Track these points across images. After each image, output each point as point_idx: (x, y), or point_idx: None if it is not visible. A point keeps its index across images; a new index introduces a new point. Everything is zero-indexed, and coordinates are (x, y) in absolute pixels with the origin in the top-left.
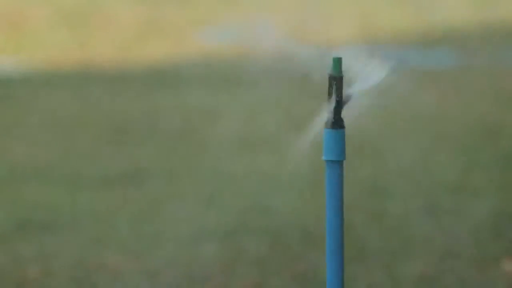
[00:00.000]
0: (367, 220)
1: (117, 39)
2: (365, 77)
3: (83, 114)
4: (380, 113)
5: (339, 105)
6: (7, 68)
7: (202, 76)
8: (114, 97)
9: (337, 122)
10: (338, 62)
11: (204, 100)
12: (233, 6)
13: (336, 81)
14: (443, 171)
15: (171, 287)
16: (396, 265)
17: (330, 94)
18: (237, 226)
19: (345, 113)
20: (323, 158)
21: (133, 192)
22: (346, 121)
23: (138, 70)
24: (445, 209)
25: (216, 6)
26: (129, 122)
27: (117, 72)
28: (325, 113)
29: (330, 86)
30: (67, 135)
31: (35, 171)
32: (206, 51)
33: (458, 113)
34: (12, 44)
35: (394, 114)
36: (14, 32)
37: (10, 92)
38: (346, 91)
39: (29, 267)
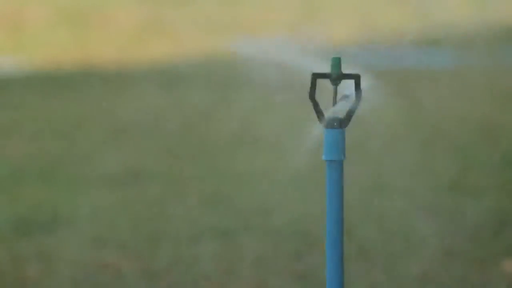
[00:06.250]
0: (367, 219)
1: (117, 39)
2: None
3: (83, 114)
4: (379, 113)
5: (339, 104)
6: (7, 68)
7: (202, 76)
8: (114, 97)
9: (337, 122)
10: (337, 61)
11: (204, 100)
12: (232, 4)
13: (336, 80)
14: (443, 171)
15: (171, 287)
16: (396, 265)
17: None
18: (237, 226)
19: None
20: (323, 158)
21: (133, 192)
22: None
23: (138, 70)
24: (445, 209)
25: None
26: (129, 122)
27: (117, 72)
28: (324, 114)
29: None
30: (67, 135)
31: (35, 171)
32: (206, 51)
33: (458, 113)
34: (12, 44)
35: (393, 114)
36: (14, 32)
37: (10, 92)
38: (344, 91)
39: (29, 267)
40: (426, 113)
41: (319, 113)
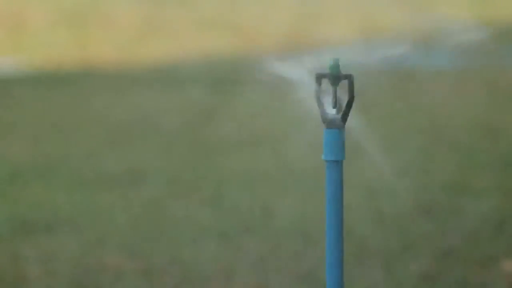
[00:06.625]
0: (367, 220)
1: (117, 39)
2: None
3: (83, 114)
4: (379, 112)
5: (339, 104)
6: (7, 68)
7: (202, 76)
8: (114, 97)
9: (337, 122)
10: (336, 62)
11: (204, 100)
12: (232, 4)
13: (335, 81)
14: (443, 171)
15: None
16: (396, 265)
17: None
18: (237, 226)
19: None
20: (323, 158)
21: (133, 192)
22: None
23: (138, 70)
24: (445, 209)
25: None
26: (129, 122)
27: (117, 72)
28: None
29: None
30: (67, 135)
31: (35, 171)
32: (206, 51)
33: (458, 113)
34: (12, 44)
35: (393, 114)
36: (14, 32)
37: (10, 92)
38: (339, 91)
39: (29, 267)
40: (426, 113)
41: (323, 112)
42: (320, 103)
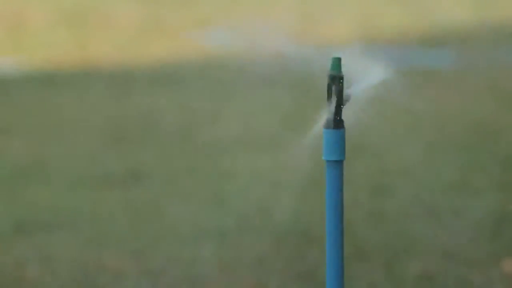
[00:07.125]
0: (367, 219)
1: (117, 39)
2: (364, 77)
3: (83, 114)
4: (379, 113)
5: (339, 105)
6: (7, 68)
7: (202, 76)
8: (114, 97)
9: (337, 122)
10: (337, 61)
11: (204, 100)
12: (232, 3)
13: (336, 81)
14: (443, 171)
15: None
16: (396, 265)
17: (329, 94)
18: (237, 226)
19: (345, 113)
20: (323, 158)
21: (133, 192)
22: (346, 121)
23: (138, 70)
24: (445, 209)
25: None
26: (129, 122)
27: (117, 72)
28: (325, 114)
29: (329, 86)
30: (67, 135)
31: (35, 171)
32: (206, 51)
33: (458, 113)
34: (12, 44)
35: (393, 114)
36: (14, 32)
37: (10, 92)
38: (345, 91)
39: (29, 267)
40: (426, 113)
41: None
42: (329, 103)
